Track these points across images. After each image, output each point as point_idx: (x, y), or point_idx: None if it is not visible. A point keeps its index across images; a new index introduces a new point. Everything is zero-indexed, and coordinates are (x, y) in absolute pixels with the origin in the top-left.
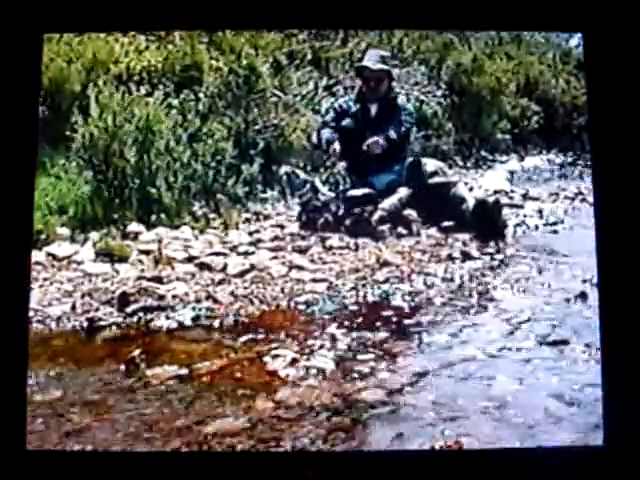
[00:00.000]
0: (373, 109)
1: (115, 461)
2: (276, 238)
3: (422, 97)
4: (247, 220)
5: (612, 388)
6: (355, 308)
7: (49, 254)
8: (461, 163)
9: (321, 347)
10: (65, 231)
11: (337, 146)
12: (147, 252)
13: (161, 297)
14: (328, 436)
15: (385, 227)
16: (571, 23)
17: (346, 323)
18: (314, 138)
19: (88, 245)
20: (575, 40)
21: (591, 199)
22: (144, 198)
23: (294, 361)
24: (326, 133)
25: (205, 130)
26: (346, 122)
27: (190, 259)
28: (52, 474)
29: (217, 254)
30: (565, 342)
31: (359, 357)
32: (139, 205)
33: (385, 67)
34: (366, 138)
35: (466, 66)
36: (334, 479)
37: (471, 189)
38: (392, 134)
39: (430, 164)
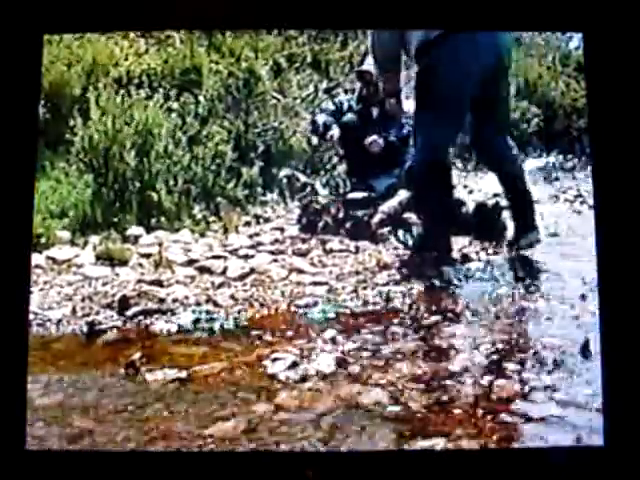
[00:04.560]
0: (375, 112)
1: (115, 461)
2: (276, 241)
3: None
4: (247, 223)
5: (612, 388)
6: (355, 311)
7: (49, 257)
8: (460, 166)
9: (321, 350)
10: (65, 234)
11: (336, 132)
12: (147, 255)
13: (161, 300)
14: (328, 438)
15: (385, 230)
16: (571, 23)
17: (346, 326)
18: (309, 127)
19: (88, 248)
20: (575, 42)
21: (591, 201)
22: (144, 201)
23: (294, 364)
24: (322, 117)
25: (205, 133)
26: (347, 118)
27: (190, 262)
28: (52, 474)
29: (217, 257)
30: (565, 343)
31: (359, 360)
32: (139, 208)
33: None
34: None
35: None
36: (334, 479)
37: (471, 192)
38: (392, 137)
39: None
